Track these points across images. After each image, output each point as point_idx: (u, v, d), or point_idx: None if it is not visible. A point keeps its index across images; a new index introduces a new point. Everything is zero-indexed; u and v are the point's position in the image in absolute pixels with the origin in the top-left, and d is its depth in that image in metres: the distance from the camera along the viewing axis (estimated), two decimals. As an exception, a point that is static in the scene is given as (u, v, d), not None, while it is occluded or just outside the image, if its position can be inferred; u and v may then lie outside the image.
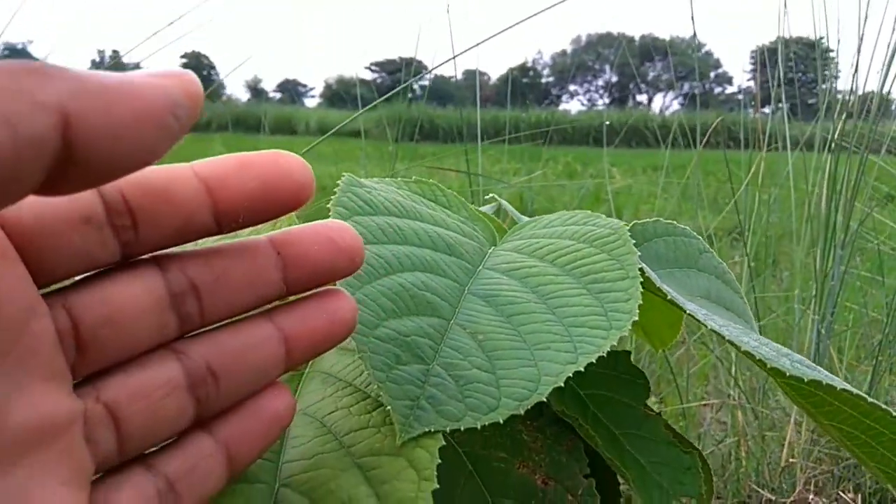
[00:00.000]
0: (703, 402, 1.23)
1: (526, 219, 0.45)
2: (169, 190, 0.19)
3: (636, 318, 0.27)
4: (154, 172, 0.20)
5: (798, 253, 1.44)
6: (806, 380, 0.30)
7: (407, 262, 0.27)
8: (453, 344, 0.25)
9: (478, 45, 1.08)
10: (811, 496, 0.90)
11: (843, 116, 1.20)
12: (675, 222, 0.39)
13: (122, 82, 0.16)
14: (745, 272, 1.30)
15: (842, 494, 0.91)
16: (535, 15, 1.01)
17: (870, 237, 1.41)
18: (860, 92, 1.21)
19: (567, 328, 0.26)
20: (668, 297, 0.30)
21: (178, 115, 0.17)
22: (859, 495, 0.93)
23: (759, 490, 0.93)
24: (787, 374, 0.30)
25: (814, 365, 0.32)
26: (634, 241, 0.38)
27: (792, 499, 0.90)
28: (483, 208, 0.48)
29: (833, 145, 1.17)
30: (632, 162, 5.44)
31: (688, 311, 0.30)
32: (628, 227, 0.38)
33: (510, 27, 0.98)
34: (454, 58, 1.04)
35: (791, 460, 0.95)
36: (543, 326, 0.26)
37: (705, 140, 1.56)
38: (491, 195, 0.48)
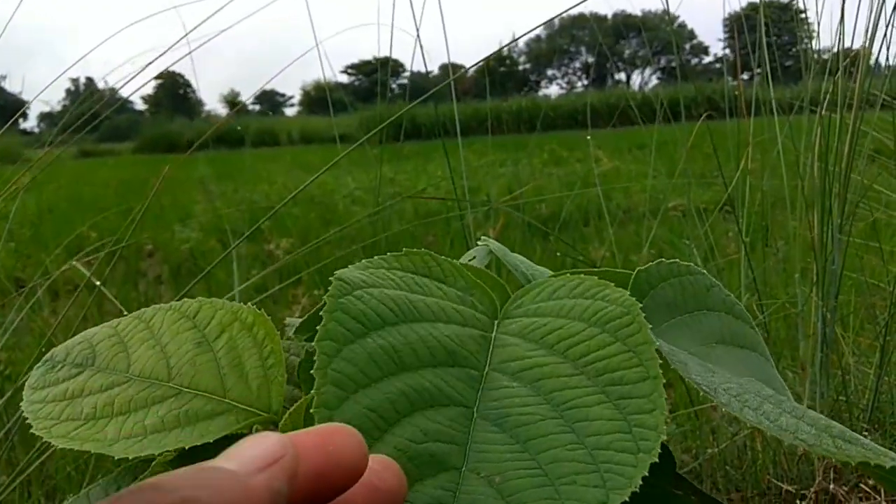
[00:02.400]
0: (713, 404, 1.22)
1: (523, 263, 0.43)
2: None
3: (664, 437, 0.25)
4: None
5: (792, 221, 1.42)
6: (853, 463, 0.29)
7: (405, 405, 0.26)
8: (468, 499, 0.23)
9: (463, 71, 1.07)
10: (832, 485, 0.89)
11: (838, 74, 1.17)
12: (678, 260, 0.38)
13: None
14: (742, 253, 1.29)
15: (861, 482, 0.90)
16: (526, 34, 0.99)
17: (862, 203, 1.39)
18: (843, 46, 1.18)
19: (590, 452, 0.25)
20: (701, 390, 0.30)
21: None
22: (880, 477, 0.92)
23: (778, 482, 0.92)
24: (834, 459, 0.29)
25: (858, 437, 0.31)
26: (641, 290, 0.36)
27: (813, 489, 0.89)
28: (473, 252, 0.46)
29: (824, 103, 1.14)
30: (617, 142, 5.41)
31: (720, 403, 0.30)
32: (633, 276, 0.36)
33: (500, 49, 0.96)
34: (434, 89, 1.03)
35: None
36: (564, 452, 0.25)
37: (702, 117, 1.53)
38: (483, 237, 0.46)
